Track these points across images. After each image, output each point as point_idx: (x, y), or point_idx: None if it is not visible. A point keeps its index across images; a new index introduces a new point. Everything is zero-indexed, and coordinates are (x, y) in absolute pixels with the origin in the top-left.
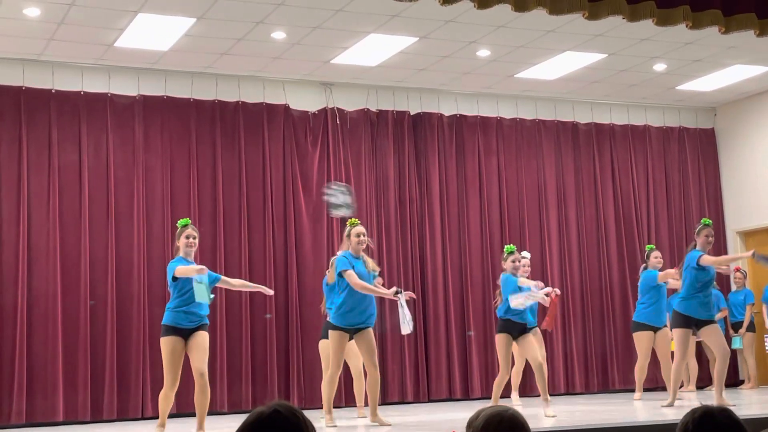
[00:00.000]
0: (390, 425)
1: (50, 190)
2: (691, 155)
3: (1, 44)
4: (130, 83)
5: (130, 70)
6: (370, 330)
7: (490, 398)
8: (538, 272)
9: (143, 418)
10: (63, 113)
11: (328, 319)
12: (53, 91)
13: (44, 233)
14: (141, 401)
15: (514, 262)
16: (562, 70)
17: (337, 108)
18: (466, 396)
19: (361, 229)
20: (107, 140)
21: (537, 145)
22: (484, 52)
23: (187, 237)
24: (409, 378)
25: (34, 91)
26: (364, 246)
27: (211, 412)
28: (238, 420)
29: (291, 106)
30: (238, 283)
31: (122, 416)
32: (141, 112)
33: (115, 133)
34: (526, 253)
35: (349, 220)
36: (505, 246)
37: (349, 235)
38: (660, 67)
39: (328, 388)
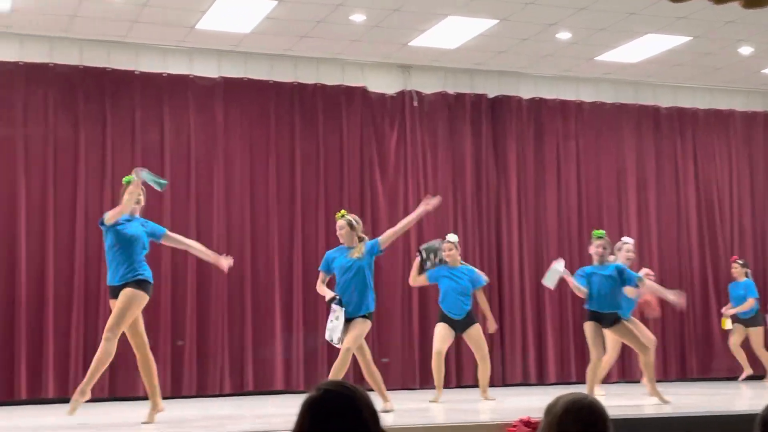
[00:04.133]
0: (392, 410)
1: (132, 170)
2: None
3: (87, 26)
4: (211, 65)
5: (211, 52)
6: (355, 320)
7: (565, 384)
8: None
9: (222, 395)
10: (146, 95)
11: None
12: (137, 72)
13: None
14: (219, 378)
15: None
16: (644, 53)
17: (415, 91)
18: (541, 381)
19: (340, 222)
20: (188, 122)
21: (617, 130)
22: (564, 35)
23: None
24: None
25: (118, 72)
26: (342, 234)
27: (288, 391)
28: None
29: (369, 89)
30: (192, 244)
31: (201, 392)
32: (221, 94)
33: (196, 115)
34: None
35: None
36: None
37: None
38: (746, 50)
39: None
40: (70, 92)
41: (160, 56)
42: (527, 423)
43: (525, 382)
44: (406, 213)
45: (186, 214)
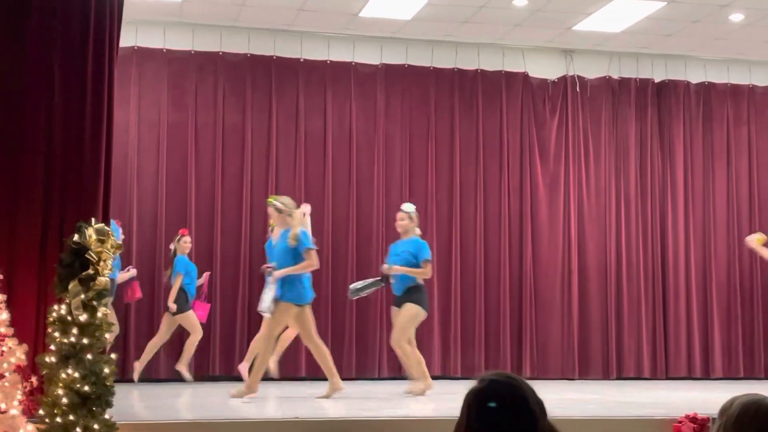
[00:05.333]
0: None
1: (296, 156)
2: None
3: (254, 15)
4: (373, 52)
5: (373, 39)
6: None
7: (732, 378)
8: None
9: (379, 378)
10: (310, 82)
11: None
12: (301, 60)
13: (291, 197)
14: (378, 361)
15: None
16: None
17: (578, 75)
18: (706, 375)
19: (269, 210)
20: (350, 108)
21: None
22: (737, 16)
23: None
24: (646, 354)
25: (283, 60)
26: (274, 220)
27: (445, 377)
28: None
29: (530, 74)
30: None
31: (360, 375)
32: (383, 80)
33: (358, 102)
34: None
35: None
36: None
37: None
38: None
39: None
40: (238, 80)
41: (324, 44)
42: (693, 419)
43: (689, 376)
44: (567, 200)
45: (347, 200)
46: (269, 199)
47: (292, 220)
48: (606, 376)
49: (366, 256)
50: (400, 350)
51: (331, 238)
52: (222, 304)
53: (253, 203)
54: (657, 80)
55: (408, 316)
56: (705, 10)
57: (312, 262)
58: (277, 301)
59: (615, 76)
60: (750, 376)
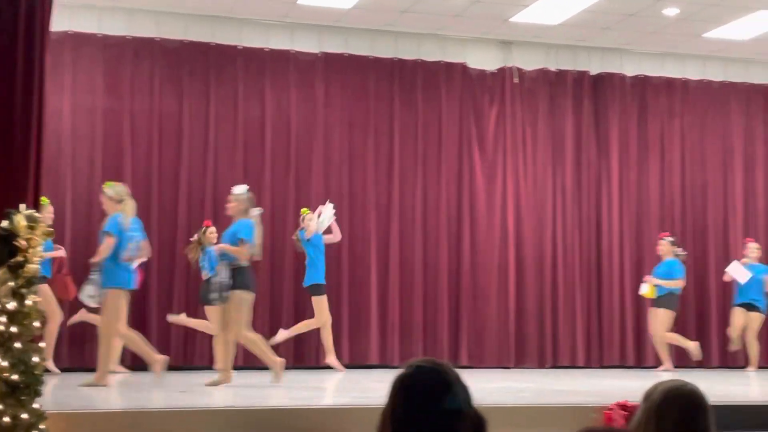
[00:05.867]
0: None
1: (234, 144)
2: None
3: (192, 1)
4: (312, 41)
5: (312, 27)
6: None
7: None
8: (720, 242)
9: (317, 367)
10: (248, 70)
11: None
12: (239, 47)
13: (228, 185)
14: (315, 351)
15: None
16: (755, 30)
17: (516, 67)
18: (639, 364)
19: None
20: (289, 97)
21: (724, 109)
22: (671, 11)
23: None
24: (581, 343)
25: (221, 47)
26: (105, 206)
27: (383, 365)
28: None
29: (469, 65)
30: None
31: (298, 364)
32: (322, 69)
33: (297, 90)
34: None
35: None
36: None
37: None
38: None
39: None
40: (175, 66)
41: (263, 31)
42: (624, 407)
43: (623, 365)
44: (504, 190)
45: (285, 188)
46: (104, 186)
47: (119, 206)
48: (541, 364)
49: None
50: (243, 341)
51: (270, 227)
52: (159, 293)
53: (190, 191)
54: (593, 73)
55: (235, 306)
56: (640, 3)
57: (103, 246)
58: (104, 290)
59: (552, 68)
60: (681, 365)
